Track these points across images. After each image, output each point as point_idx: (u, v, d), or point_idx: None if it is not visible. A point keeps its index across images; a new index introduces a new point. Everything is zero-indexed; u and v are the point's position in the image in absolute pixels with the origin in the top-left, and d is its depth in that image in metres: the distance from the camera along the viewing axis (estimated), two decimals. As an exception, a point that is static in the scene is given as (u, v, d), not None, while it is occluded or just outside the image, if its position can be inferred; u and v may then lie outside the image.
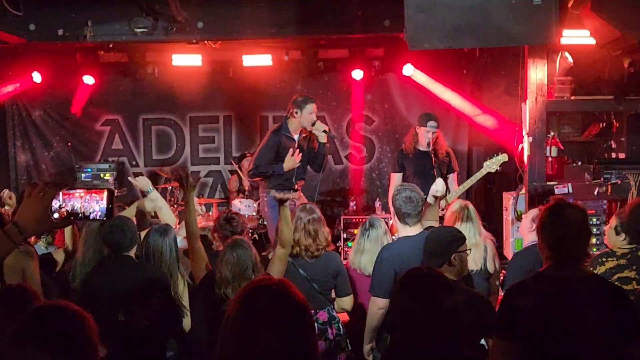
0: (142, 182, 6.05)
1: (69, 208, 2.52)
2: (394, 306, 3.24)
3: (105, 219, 2.59)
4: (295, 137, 7.57)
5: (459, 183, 7.84)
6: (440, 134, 7.85)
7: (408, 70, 10.27)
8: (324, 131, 7.42)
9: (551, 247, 3.51)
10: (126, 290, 4.78)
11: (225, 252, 4.69)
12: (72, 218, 2.55)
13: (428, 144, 7.59)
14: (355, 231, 9.64)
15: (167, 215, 5.90)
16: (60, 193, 2.52)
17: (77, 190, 2.54)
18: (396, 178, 7.84)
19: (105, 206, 2.52)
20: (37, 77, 10.53)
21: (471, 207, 5.84)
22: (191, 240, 4.97)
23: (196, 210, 5.45)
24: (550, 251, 3.51)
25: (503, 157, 7.37)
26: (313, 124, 7.42)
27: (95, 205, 2.52)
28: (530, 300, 3.39)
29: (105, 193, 2.54)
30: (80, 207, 2.52)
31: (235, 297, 2.29)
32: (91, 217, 2.54)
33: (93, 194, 2.53)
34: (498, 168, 7.40)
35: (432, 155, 7.50)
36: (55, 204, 2.51)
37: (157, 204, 5.99)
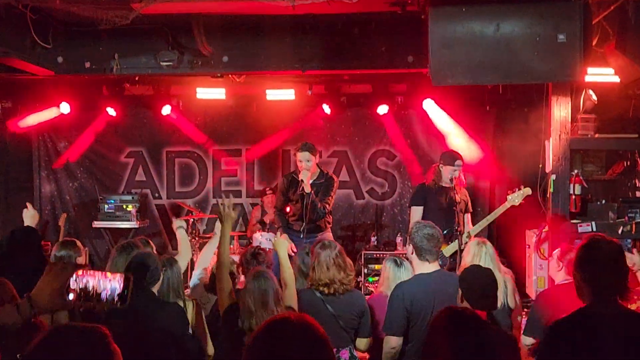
0: (178, 223, 6.38)
1: (82, 285, 2.48)
2: (432, 345, 3.14)
3: (118, 304, 2.50)
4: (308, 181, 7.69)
5: (481, 219, 7.79)
6: (461, 171, 7.81)
7: (428, 104, 10.34)
8: (301, 180, 7.59)
9: (589, 284, 3.45)
10: (149, 330, 4.78)
11: (248, 283, 4.74)
12: (86, 301, 2.49)
13: (451, 180, 7.55)
14: (377, 267, 9.60)
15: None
16: (75, 273, 2.49)
17: (96, 272, 2.50)
18: (416, 212, 7.74)
19: (120, 291, 2.47)
20: (65, 107, 10.65)
21: (488, 243, 5.79)
22: (220, 270, 5.00)
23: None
24: (589, 287, 3.45)
25: (526, 191, 7.33)
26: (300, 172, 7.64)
27: (108, 284, 2.47)
28: (571, 338, 3.34)
29: (122, 278, 2.50)
30: (92, 286, 2.48)
31: (256, 330, 2.28)
32: (102, 296, 2.48)
33: (109, 275, 2.49)
34: (522, 201, 7.36)
35: (454, 192, 7.45)
36: (70, 281, 2.48)
37: (180, 238, 6.27)
